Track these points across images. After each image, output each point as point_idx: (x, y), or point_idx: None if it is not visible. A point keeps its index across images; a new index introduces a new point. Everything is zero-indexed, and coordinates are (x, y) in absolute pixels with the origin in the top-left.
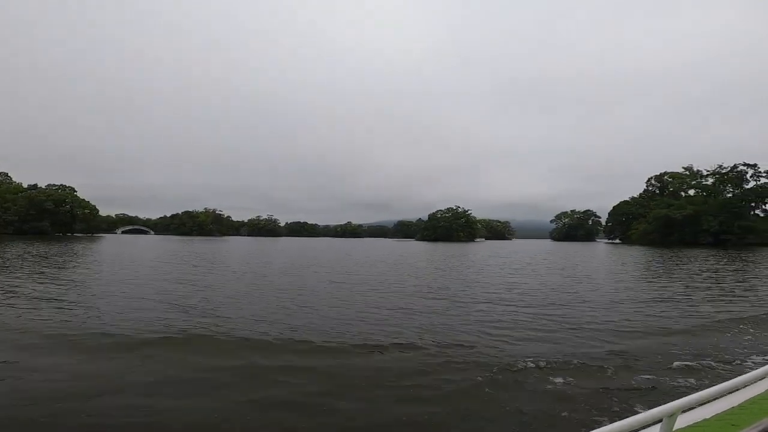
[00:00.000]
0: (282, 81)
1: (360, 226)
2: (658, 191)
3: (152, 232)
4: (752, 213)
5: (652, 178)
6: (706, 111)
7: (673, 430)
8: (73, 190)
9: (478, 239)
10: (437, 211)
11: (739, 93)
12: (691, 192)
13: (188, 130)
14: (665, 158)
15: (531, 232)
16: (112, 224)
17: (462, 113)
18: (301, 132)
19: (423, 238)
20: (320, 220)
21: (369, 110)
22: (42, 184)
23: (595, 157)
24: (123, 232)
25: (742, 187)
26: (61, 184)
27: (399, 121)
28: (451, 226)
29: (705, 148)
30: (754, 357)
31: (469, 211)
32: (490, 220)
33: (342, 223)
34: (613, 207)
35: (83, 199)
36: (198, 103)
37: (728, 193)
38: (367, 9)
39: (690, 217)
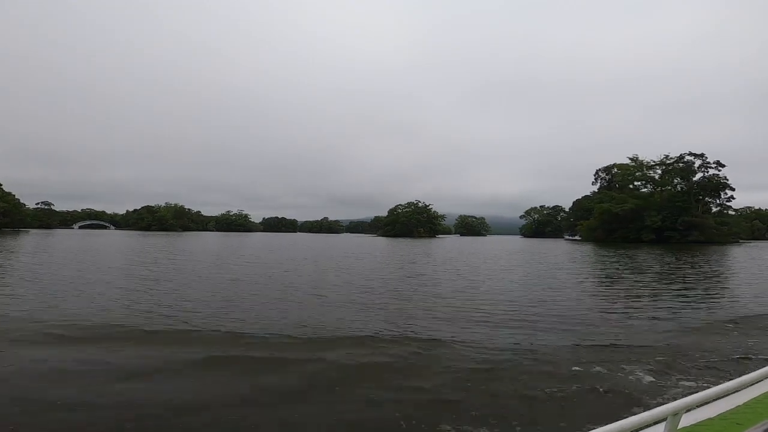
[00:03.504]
0: (274, 81)
1: (337, 221)
2: (606, 184)
3: (112, 227)
4: (706, 209)
5: (600, 170)
6: (703, 111)
7: (677, 429)
8: None
9: (441, 235)
10: (397, 205)
11: (735, 94)
12: (638, 184)
13: (179, 128)
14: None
15: (515, 229)
16: (77, 218)
17: (457, 112)
18: (297, 130)
19: (384, 234)
20: (310, 216)
21: (366, 109)
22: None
23: (596, 157)
24: (80, 227)
25: (690, 180)
26: None
27: (392, 120)
28: (410, 222)
29: (704, 148)
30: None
31: (431, 206)
32: (466, 216)
33: (331, 219)
34: (573, 202)
35: (8, 193)
36: (191, 102)
37: (678, 185)
38: (366, 9)
39: (632, 212)
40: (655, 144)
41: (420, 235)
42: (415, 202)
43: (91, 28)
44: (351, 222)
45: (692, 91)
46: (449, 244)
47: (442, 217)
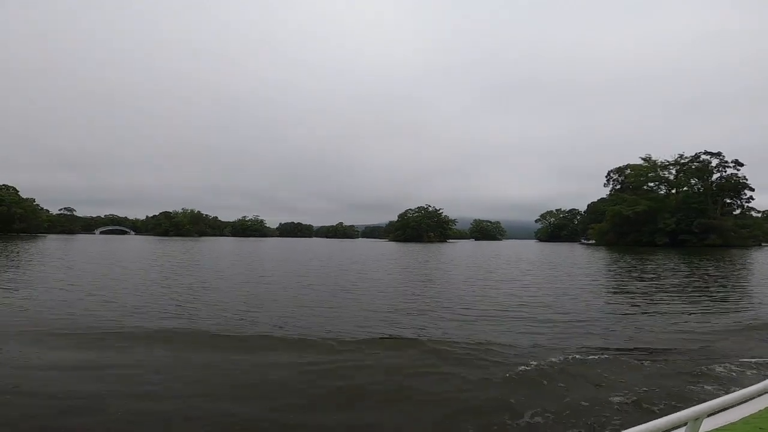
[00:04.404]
0: (294, 87)
1: (352, 226)
2: (619, 186)
3: (133, 233)
4: (726, 210)
5: (612, 171)
6: (703, 111)
7: None
8: (16, 190)
9: (453, 240)
10: (407, 210)
11: (735, 94)
12: (652, 185)
13: (195, 134)
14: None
15: (530, 233)
16: (100, 224)
17: (462, 113)
18: (315, 136)
19: (395, 239)
20: (325, 221)
21: (379, 114)
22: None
23: (596, 157)
24: (101, 233)
25: (707, 180)
26: (4, 184)
27: (398, 121)
28: (420, 226)
29: (704, 148)
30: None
31: (441, 210)
32: (480, 220)
33: (347, 224)
34: (588, 205)
35: (25, 198)
36: (205, 107)
37: (695, 186)
38: (371, 11)
39: (645, 214)
40: (654, 144)
41: (430, 240)
42: (425, 207)
43: (101, 33)
44: (366, 227)
45: (692, 91)
46: (459, 252)
47: (454, 221)
